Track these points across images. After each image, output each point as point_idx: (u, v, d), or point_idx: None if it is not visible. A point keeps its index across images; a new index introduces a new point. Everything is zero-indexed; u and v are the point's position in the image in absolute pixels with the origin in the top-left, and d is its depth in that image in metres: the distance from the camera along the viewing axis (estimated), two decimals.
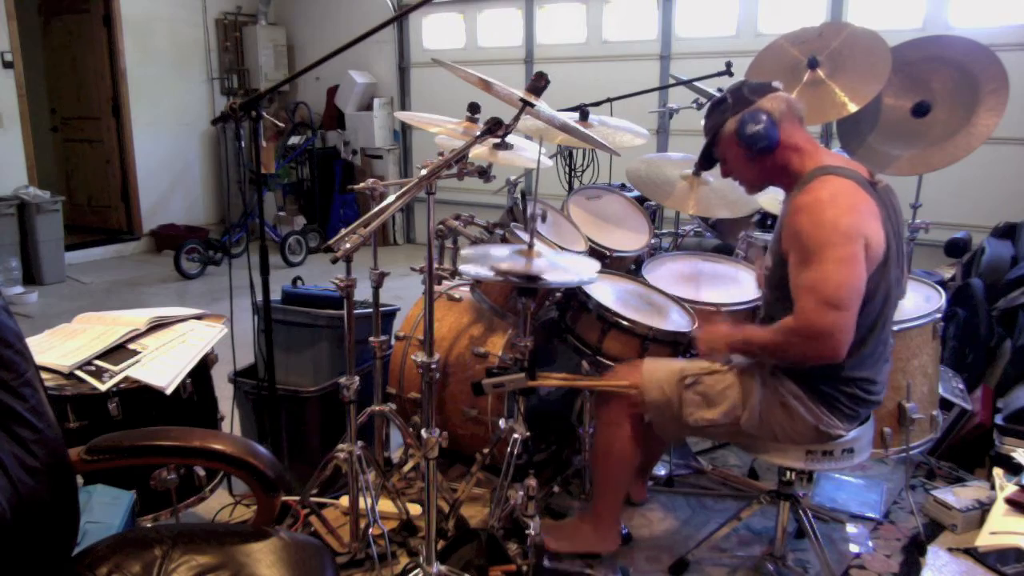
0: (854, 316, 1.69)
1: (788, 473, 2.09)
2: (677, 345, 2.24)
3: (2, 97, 5.74)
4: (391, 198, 1.54)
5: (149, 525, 1.97)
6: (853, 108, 2.54)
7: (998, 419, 2.61)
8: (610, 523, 2.23)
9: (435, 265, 2.19)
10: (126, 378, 1.97)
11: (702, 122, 2.03)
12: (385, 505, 2.37)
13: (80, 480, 1.66)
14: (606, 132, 2.73)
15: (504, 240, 2.37)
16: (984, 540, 2.02)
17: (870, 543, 2.38)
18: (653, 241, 2.89)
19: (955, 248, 3.99)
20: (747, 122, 1.83)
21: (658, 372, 2.03)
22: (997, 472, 2.26)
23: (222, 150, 7.19)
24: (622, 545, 2.33)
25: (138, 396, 1.98)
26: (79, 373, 1.97)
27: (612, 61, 5.85)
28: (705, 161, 2.04)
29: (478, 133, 1.67)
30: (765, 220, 2.98)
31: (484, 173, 1.76)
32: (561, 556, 2.22)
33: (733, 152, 1.92)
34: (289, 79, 2.62)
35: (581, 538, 2.24)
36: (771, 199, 2.79)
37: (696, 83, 3.55)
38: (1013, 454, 2.36)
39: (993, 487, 2.23)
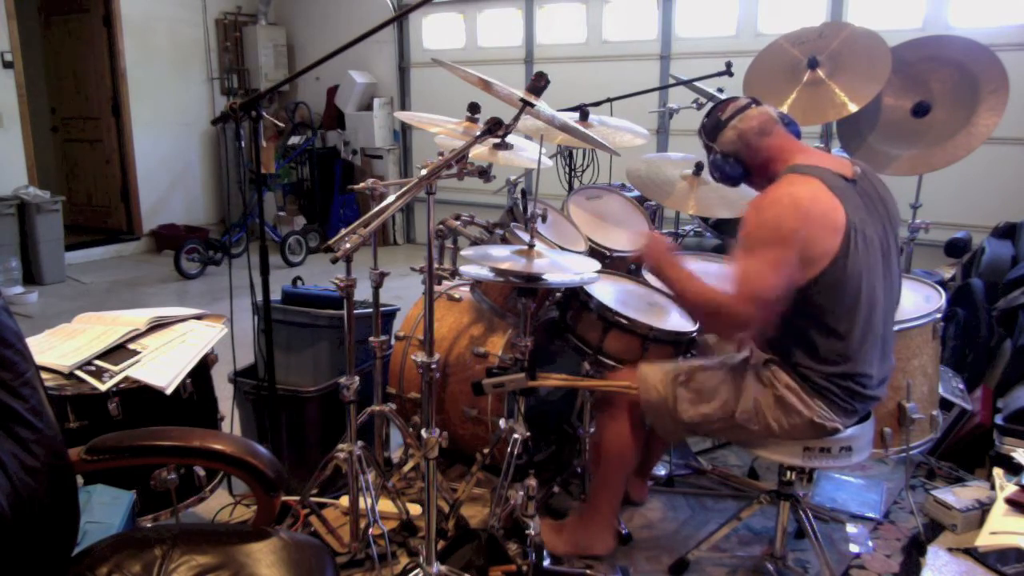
0: (771, 313, 1.79)
1: (788, 473, 2.09)
2: (678, 345, 2.24)
3: (2, 97, 5.74)
4: (391, 198, 1.54)
5: (149, 525, 1.97)
6: (853, 108, 2.54)
7: (998, 419, 2.61)
8: (606, 524, 2.23)
9: (435, 265, 2.20)
10: (126, 378, 1.97)
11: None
12: (385, 505, 2.37)
13: (80, 480, 1.66)
14: (606, 132, 2.73)
15: (504, 240, 2.37)
16: (984, 540, 2.02)
17: (870, 543, 2.38)
18: None
19: (955, 248, 3.99)
20: (716, 159, 2.01)
21: (653, 373, 2.06)
22: (997, 472, 2.25)
23: (222, 150, 7.19)
24: (622, 545, 2.34)
25: (138, 396, 1.98)
26: (79, 373, 1.97)
27: (612, 61, 5.85)
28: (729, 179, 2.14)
29: (478, 133, 1.67)
30: None
31: (484, 173, 1.77)
32: (561, 556, 2.22)
33: (721, 175, 2.07)
34: (289, 79, 2.62)
35: (577, 538, 2.24)
36: None
37: (696, 83, 3.55)
38: (1013, 454, 2.36)
39: (993, 487, 2.23)
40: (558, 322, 2.38)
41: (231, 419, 2.56)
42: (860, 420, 1.98)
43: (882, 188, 1.93)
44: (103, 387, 1.93)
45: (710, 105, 2.12)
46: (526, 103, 1.69)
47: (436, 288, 2.57)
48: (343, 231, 1.52)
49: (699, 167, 2.76)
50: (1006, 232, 3.81)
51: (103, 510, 1.83)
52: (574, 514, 2.46)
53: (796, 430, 1.91)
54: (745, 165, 1.97)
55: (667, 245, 2.06)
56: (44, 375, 1.72)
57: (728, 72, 3.39)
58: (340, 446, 2.18)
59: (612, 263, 2.67)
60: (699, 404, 1.98)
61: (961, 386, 2.83)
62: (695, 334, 2.29)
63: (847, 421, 1.92)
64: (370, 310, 2.36)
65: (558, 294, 2.38)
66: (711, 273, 2.65)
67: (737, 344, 2.21)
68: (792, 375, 1.90)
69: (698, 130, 2.08)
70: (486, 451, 2.33)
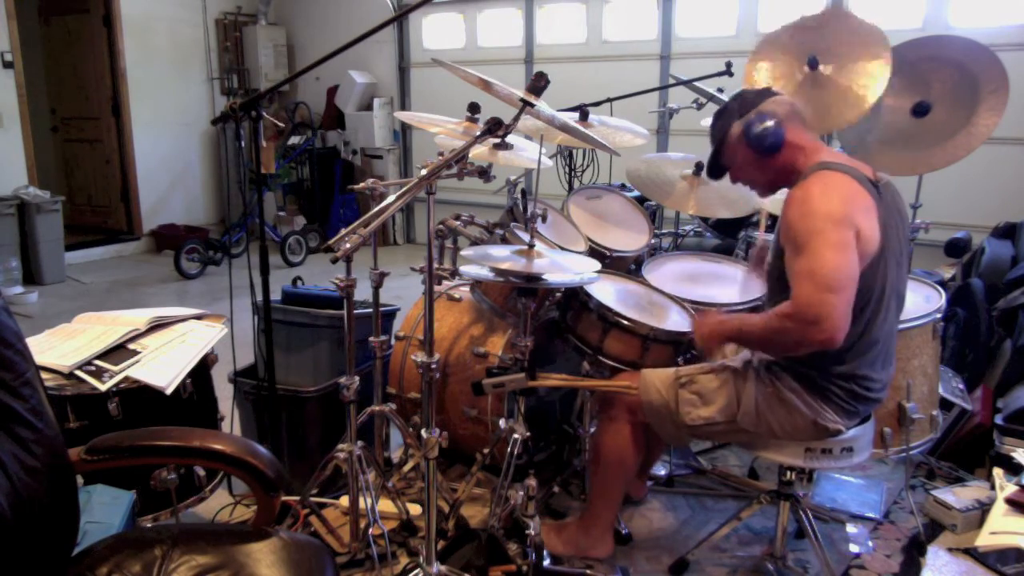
0: (850, 301, 1.69)
1: (788, 473, 2.09)
2: (678, 345, 2.24)
3: (2, 97, 5.74)
4: (391, 198, 1.54)
5: (149, 525, 1.97)
6: (872, 98, 2.52)
7: (998, 419, 2.61)
8: (605, 527, 2.23)
9: (435, 265, 2.19)
10: (126, 378, 1.97)
11: (708, 128, 2.06)
12: (385, 505, 2.37)
13: (80, 480, 1.66)
14: (606, 132, 2.73)
15: (504, 240, 2.37)
16: (984, 540, 2.02)
17: (870, 543, 2.38)
18: (653, 241, 2.89)
19: (955, 248, 3.99)
20: (754, 122, 1.88)
21: (654, 376, 2.06)
22: (997, 472, 2.25)
23: (222, 150, 7.19)
24: (622, 545, 2.34)
25: (138, 396, 1.98)
26: (79, 373, 1.97)
27: (612, 61, 5.85)
28: (714, 170, 2.07)
29: (478, 133, 1.67)
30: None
31: (484, 173, 1.77)
32: (561, 557, 2.22)
33: (742, 154, 1.94)
34: (289, 79, 2.62)
35: (577, 541, 2.24)
36: (773, 201, 2.79)
37: (696, 83, 3.55)
38: (1013, 454, 2.36)
39: (993, 487, 2.23)
40: (558, 322, 2.38)
41: (231, 419, 2.56)
42: (861, 421, 1.98)
43: (900, 199, 1.91)
44: (103, 387, 1.92)
45: (711, 105, 2.10)
46: (526, 103, 1.69)
47: (436, 288, 2.57)
48: (343, 231, 1.52)
49: (699, 167, 2.76)
50: (1006, 232, 3.81)
51: (103, 510, 1.83)
52: (574, 515, 2.46)
53: (798, 431, 1.91)
54: (780, 142, 1.87)
55: (716, 321, 1.96)
56: (44, 375, 1.72)
57: (728, 72, 3.40)
58: (340, 446, 2.18)
59: (612, 263, 2.67)
60: (701, 407, 1.98)
61: (961, 386, 2.83)
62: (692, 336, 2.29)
63: (849, 422, 1.92)
64: (370, 310, 2.36)
65: (558, 294, 2.38)
66: (712, 273, 2.67)
67: (737, 347, 2.21)
68: (794, 376, 1.90)
69: (736, 95, 1.98)
70: (486, 451, 2.33)
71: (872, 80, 2.50)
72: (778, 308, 1.75)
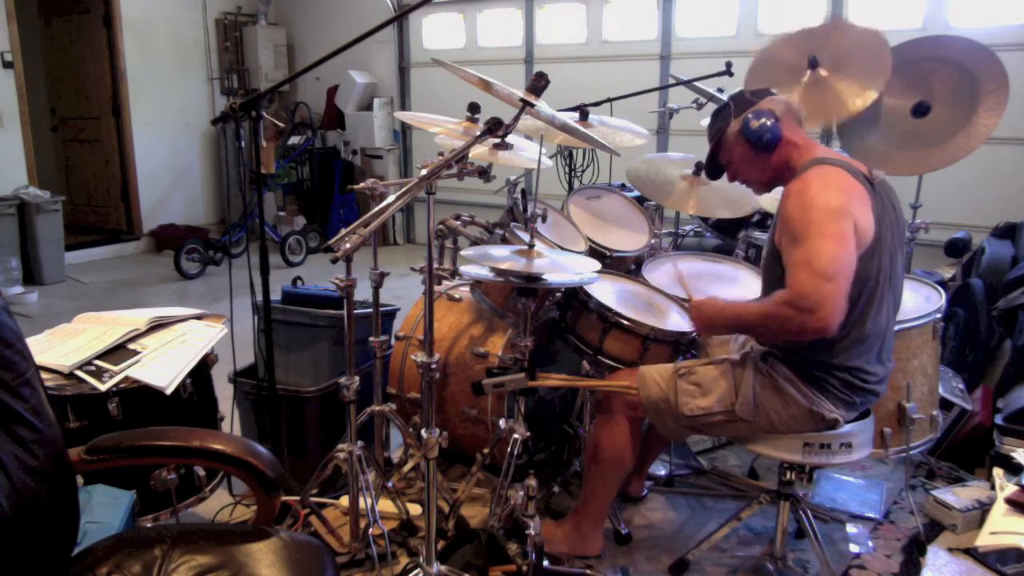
0: (846, 290, 1.71)
1: (788, 473, 2.09)
2: (678, 345, 2.24)
3: (2, 97, 5.74)
4: (391, 198, 1.54)
5: (149, 525, 1.97)
6: (871, 98, 2.52)
7: (998, 419, 2.61)
8: (594, 526, 2.23)
9: (435, 265, 2.20)
10: (126, 378, 1.97)
11: (706, 127, 2.08)
12: (385, 505, 2.37)
13: (80, 480, 1.66)
14: (606, 132, 2.73)
15: (504, 240, 2.37)
16: (984, 540, 2.02)
17: (870, 543, 2.38)
18: (653, 241, 2.89)
19: (955, 248, 3.99)
20: (751, 119, 1.91)
21: (653, 370, 2.07)
22: (997, 472, 2.26)
23: (222, 150, 7.19)
24: (622, 545, 2.34)
25: (138, 396, 1.98)
26: (79, 373, 1.97)
27: (612, 61, 5.85)
28: (712, 169, 2.10)
29: (478, 133, 1.67)
30: (765, 220, 2.98)
31: (484, 173, 1.77)
32: (560, 557, 2.22)
33: (739, 152, 1.98)
34: (289, 79, 2.62)
35: (569, 539, 2.24)
36: (771, 199, 2.79)
37: (696, 83, 3.55)
38: (1013, 454, 2.36)
39: (993, 487, 2.23)
40: (558, 322, 2.38)
41: (231, 419, 2.56)
42: (860, 417, 1.99)
43: (894, 196, 1.94)
44: (103, 387, 1.92)
45: (711, 105, 2.11)
46: (526, 103, 1.69)
47: (436, 288, 2.56)
48: (343, 231, 1.52)
49: (699, 167, 2.76)
50: (1006, 232, 3.81)
51: (103, 510, 1.83)
52: (569, 514, 2.46)
53: (795, 421, 1.91)
54: (777, 137, 1.90)
55: (715, 308, 1.95)
56: (44, 375, 1.72)
57: (728, 72, 3.39)
58: (340, 446, 2.18)
59: (612, 263, 2.67)
60: (699, 397, 1.99)
61: (961, 386, 2.83)
62: (695, 334, 2.29)
63: (846, 414, 1.92)
64: (370, 310, 2.36)
65: (558, 294, 2.38)
66: (712, 273, 2.67)
67: (737, 346, 2.21)
68: (790, 366, 1.92)
69: (734, 94, 2.01)
70: (486, 451, 2.33)
71: (858, 100, 2.52)
72: (776, 295, 1.78)
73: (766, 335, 1.94)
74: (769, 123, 1.89)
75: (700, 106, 3.66)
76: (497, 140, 1.69)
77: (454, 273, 2.31)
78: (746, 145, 1.94)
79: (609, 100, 3.35)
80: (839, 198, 1.75)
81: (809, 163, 1.87)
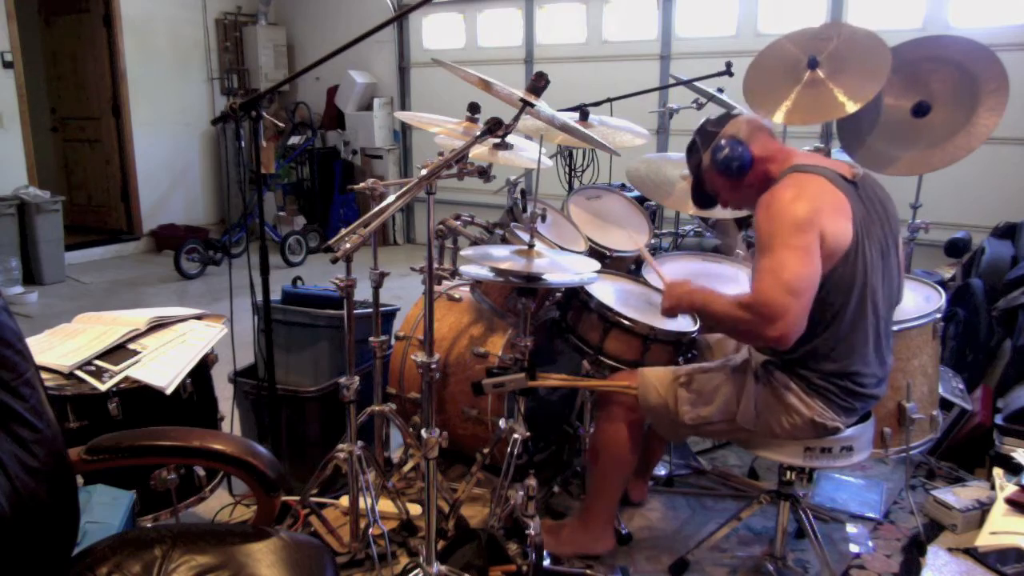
0: (806, 306, 1.73)
1: (788, 473, 2.09)
2: (678, 345, 2.24)
3: (2, 97, 5.74)
4: (391, 198, 1.54)
5: (149, 525, 1.97)
6: (852, 108, 2.54)
7: (998, 419, 2.61)
8: (604, 524, 2.23)
9: (435, 265, 2.19)
10: (126, 378, 1.97)
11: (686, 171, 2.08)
12: (385, 505, 2.37)
13: (80, 480, 1.66)
14: (606, 132, 2.73)
15: (504, 240, 2.37)
16: (984, 540, 2.02)
17: (870, 543, 2.38)
18: (653, 241, 2.89)
19: (955, 248, 3.99)
20: (717, 151, 1.94)
21: (653, 376, 2.07)
22: (997, 472, 2.26)
23: (222, 150, 7.19)
24: (622, 545, 2.34)
25: (138, 396, 1.98)
26: (79, 373, 1.97)
27: (612, 61, 5.85)
28: (702, 200, 2.13)
29: (478, 133, 1.67)
30: None
31: (484, 173, 1.77)
32: (561, 557, 2.22)
33: (719, 182, 2.01)
34: (289, 79, 2.62)
35: (576, 539, 2.24)
36: None
37: (696, 83, 3.55)
38: (1013, 454, 2.36)
39: (993, 487, 2.23)
40: (558, 322, 2.38)
41: (231, 419, 2.56)
42: (860, 420, 1.98)
43: (881, 191, 1.94)
44: (103, 387, 1.92)
45: (711, 105, 2.11)
46: (526, 103, 1.69)
47: (436, 288, 2.57)
48: (343, 231, 1.52)
49: (699, 206, 2.75)
50: (1006, 232, 3.81)
51: (103, 510, 1.83)
52: (573, 514, 2.46)
53: (797, 430, 1.91)
54: (747, 162, 1.93)
55: (685, 290, 1.96)
56: (44, 375, 1.72)
57: (728, 72, 3.39)
58: (340, 446, 2.18)
59: (612, 263, 2.67)
60: (699, 406, 1.99)
61: (961, 386, 2.83)
62: (695, 334, 2.29)
63: (847, 420, 1.92)
64: (370, 310, 2.36)
65: (558, 294, 2.38)
66: (712, 273, 2.67)
67: (736, 345, 2.21)
68: (791, 375, 1.91)
69: (697, 129, 2.04)
70: (486, 451, 2.33)
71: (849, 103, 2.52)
72: (740, 297, 1.80)
73: (725, 332, 1.98)
74: (738, 150, 1.91)
75: (700, 106, 3.66)
76: (497, 140, 1.69)
77: (454, 273, 2.31)
78: (721, 175, 1.97)
79: (609, 100, 3.35)
80: (805, 209, 1.76)
81: (785, 172, 1.88)
